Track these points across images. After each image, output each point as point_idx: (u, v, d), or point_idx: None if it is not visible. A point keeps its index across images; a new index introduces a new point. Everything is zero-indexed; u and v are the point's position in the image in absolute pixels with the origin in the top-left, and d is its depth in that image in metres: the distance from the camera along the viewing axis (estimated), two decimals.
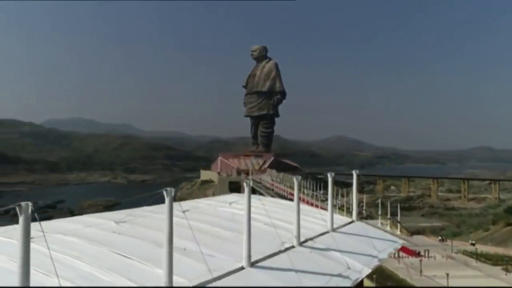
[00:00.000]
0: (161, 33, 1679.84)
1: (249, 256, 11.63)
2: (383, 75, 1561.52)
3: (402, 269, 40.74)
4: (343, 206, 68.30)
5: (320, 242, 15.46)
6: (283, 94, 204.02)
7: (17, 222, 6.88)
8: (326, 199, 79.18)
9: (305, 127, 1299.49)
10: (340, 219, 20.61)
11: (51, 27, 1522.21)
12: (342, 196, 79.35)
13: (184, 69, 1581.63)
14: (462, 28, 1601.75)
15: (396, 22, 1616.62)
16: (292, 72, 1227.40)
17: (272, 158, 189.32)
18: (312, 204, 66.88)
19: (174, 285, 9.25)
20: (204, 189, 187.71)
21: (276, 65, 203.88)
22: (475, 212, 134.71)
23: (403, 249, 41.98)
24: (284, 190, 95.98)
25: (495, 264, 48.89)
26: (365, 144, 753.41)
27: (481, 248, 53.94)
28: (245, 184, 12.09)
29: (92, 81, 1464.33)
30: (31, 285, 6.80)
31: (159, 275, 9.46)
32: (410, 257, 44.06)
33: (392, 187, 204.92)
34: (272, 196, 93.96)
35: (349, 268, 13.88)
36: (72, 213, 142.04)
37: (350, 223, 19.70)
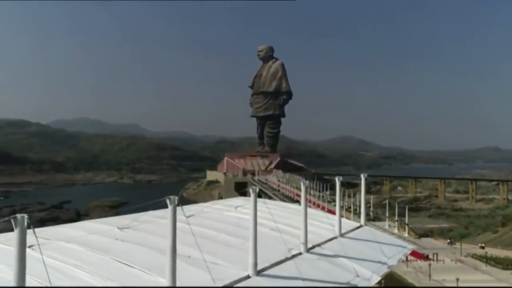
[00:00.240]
0: (167, 32, 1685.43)
1: (255, 264, 11.29)
2: (389, 74, 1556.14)
3: (410, 273, 40.16)
4: (350, 207, 67.88)
5: (328, 249, 15.07)
6: (289, 94, 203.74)
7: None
8: (333, 201, 79.11)
9: (311, 127, 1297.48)
10: (348, 223, 20.20)
11: (57, 27, 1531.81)
12: (349, 196, 78.88)
13: (190, 69, 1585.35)
14: (468, 26, 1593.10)
15: (402, 20, 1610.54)
16: (298, 72, 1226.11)
17: (278, 159, 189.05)
18: (318, 206, 66.59)
19: None
20: (210, 190, 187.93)
21: (283, 65, 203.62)
22: (483, 213, 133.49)
23: (412, 252, 41.39)
24: (291, 191, 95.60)
25: (505, 268, 47.90)
26: (372, 144, 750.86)
27: (491, 251, 53.12)
28: (251, 190, 11.75)
29: (99, 81, 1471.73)
30: None
31: (162, 285, 9.21)
32: (418, 261, 43.51)
33: (399, 188, 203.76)
34: (279, 198, 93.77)
35: (358, 275, 13.48)
36: (78, 214, 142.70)
37: (358, 227, 19.28)
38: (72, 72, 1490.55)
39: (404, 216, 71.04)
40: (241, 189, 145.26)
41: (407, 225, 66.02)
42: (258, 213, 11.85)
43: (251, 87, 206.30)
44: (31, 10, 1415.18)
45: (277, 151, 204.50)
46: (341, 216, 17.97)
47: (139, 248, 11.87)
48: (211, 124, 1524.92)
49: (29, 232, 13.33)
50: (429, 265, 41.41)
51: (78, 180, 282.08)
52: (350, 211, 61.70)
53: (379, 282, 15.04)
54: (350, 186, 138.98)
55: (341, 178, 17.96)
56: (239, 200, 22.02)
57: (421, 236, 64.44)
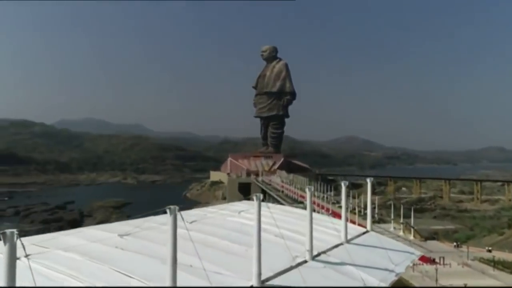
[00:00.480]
0: (170, 32, 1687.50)
1: (259, 274, 10.94)
2: (392, 74, 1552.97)
3: (417, 277, 39.63)
4: (354, 209, 67.44)
5: (334, 256, 14.71)
6: (293, 94, 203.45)
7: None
8: (337, 202, 78.66)
9: (315, 127, 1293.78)
10: (354, 228, 19.83)
11: (60, 27, 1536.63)
12: (354, 197, 78.41)
13: (193, 69, 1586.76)
14: (473, 26, 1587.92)
15: (405, 19, 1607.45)
16: (302, 72, 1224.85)
17: (282, 159, 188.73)
18: (323, 207, 66.14)
19: None
20: (214, 190, 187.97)
21: (286, 65, 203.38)
22: (489, 214, 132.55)
23: None
24: (295, 192, 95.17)
25: None
26: (376, 144, 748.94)
27: (498, 254, 52.49)
28: (255, 198, 11.40)
29: (103, 82, 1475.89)
30: None
31: None
32: (425, 265, 43.00)
33: (403, 188, 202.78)
34: (283, 199, 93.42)
35: (365, 284, 13.13)
36: (81, 214, 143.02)
37: (364, 233, 18.90)
38: (76, 72, 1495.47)
39: (409, 217, 70.50)
40: (244, 190, 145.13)
41: (413, 227, 65.43)
42: (262, 218, 11.54)
43: (255, 87, 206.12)
44: (33, 11, 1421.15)
45: (281, 151, 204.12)
46: (347, 220, 17.62)
47: (139, 257, 11.56)
48: (215, 125, 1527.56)
49: (27, 240, 13.00)
50: (436, 269, 40.86)
51: (82, 181, 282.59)
52: (354, 213, 61.18)
53: None
54: (354, 187, 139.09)
55: (347, 183, 17.59)
56: (242, 205, 21.69)
57: (427, 239, 63.77)
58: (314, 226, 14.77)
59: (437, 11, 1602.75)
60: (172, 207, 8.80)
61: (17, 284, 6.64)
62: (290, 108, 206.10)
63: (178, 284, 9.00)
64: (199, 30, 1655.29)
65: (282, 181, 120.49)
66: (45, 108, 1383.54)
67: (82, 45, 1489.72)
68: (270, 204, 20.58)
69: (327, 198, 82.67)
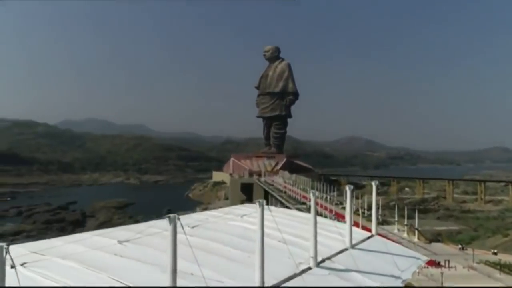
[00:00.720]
0: (173, 33, 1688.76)
1: (263, 283, 10.62)
2: (394, 74, 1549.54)
3: (422, 281, 39.13)
4: (357, 210, 67.02)
5: (339, 262, 14.34)
6: (295, 95, 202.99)
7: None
8: (340, 203, 78.16)
9: (318, 127, 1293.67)
10: (359, 232, 19.44)
11: (65, 28, 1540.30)
12: (357, 198, 77.89)
13: (196, 69, 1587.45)
14: (477, 26, 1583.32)
15: (411, 22, 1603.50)
16: (305, 72, 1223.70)
17: (285, 160, 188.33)
18: (326, 208, 65.67)
19: None
20: (216, 191, 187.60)
21: (289, 65, 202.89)
22: (493, 215, 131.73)
23: None
24: (297, 193, 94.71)
25: None
26: (378, 145, 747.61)
27: (504, 257, 51.89)
28: (258, 204, 11.07)
29: (106, 82, 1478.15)
30: None
31: None
32: (430, 268, 42.50)
33: (407, 189, 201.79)
34: (285, 200, 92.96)
35: None
36: (84, 215, 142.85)
37: (369, 237, 18.51)
38: (79, 73, 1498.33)
39: (413, 218, 70.02)
40: (247, 190, 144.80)
41: (417, 229, 64.90)
42: (264, 222, 11.23)
43: (257, 87, 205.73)
44: (39, 10, 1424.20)
45: (284, 152, 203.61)
46: (351, 225, 17.24)
47: (139, 264, 11.25)
48: (218, 125, 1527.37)
49: (25, 246, 12.66)
50: (441, 273, 40.39)
51: (85, 181, 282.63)
52: (358, 214, 60.77)
53: None
54: (357, 187, 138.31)
55: (352, 187, 17.24)
56: (245, 208, 21.34)
57: (431, 240, 63.22)
58: (318, 230, 14.42)
59: (442, 11, 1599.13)
60: (172, 215, 8.52)
61: None
62: (292, 108, 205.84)
63: None
64: (201, 31, 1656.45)
65: (285, 182, 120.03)
66: (48, 109, 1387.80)
67: (86, 46, 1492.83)
68: (272, 208, 20.18)
69: (330, 199, 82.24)
